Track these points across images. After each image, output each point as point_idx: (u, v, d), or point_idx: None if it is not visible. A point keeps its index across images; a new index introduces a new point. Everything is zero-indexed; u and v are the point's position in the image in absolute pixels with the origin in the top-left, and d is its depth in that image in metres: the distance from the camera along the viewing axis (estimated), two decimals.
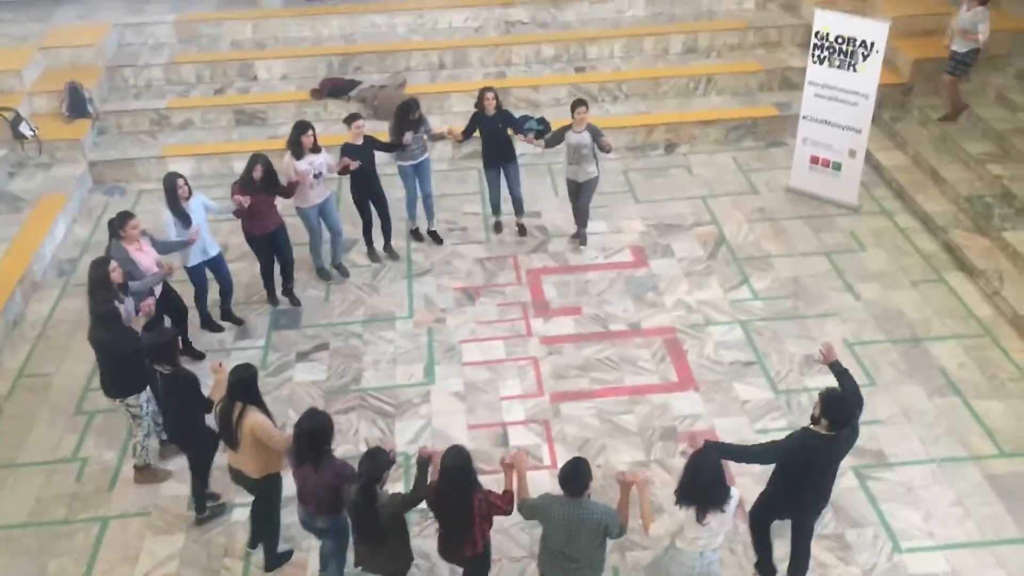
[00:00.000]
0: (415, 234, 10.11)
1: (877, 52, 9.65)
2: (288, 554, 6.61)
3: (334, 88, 12.38)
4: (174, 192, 8.05)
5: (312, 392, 8.09)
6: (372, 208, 9.59)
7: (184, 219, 8.12)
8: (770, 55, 13.00)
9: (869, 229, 10.06)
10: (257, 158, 8.45)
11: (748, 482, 6.96)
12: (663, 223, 10.24)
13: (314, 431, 5.56)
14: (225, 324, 8.89)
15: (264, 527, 6.50)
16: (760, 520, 6.16)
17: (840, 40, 9.84)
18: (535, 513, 5.41)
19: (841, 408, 5.54)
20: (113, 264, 7.10)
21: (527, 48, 13.06)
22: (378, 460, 5.40)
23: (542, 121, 9.96)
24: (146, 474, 7.29)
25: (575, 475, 5.21)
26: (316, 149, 8.91)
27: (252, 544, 6.67)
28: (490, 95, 9.44)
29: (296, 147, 8.77)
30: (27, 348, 8.76)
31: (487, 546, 5.60)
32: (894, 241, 9.84)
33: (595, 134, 9.20)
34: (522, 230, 10.11)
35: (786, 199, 10.70)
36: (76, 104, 11.76)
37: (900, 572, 6.37)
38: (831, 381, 7.92)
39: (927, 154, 10.89)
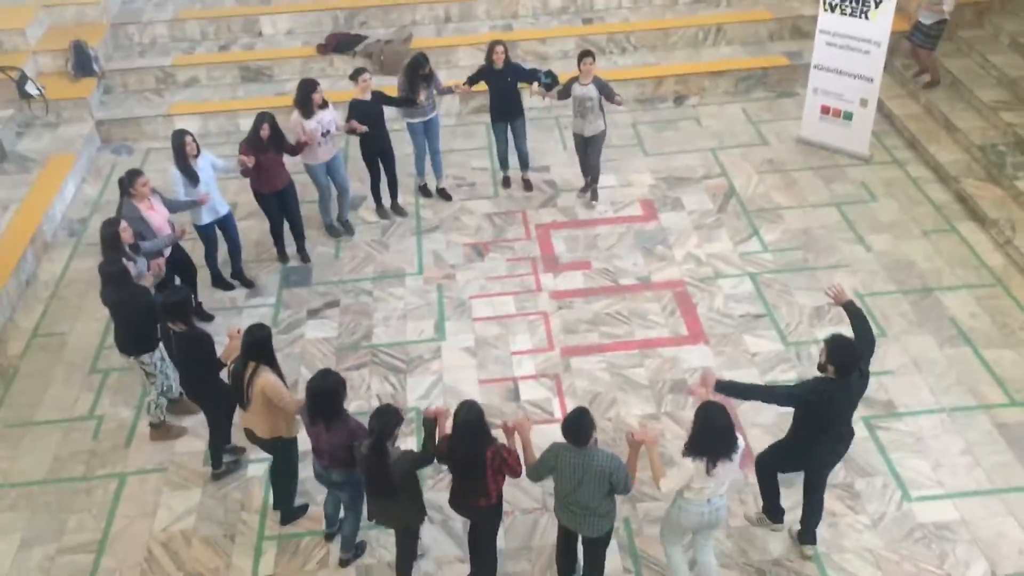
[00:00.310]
0: (423, 190, 10.09)
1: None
2: (304, 508, 6.71)
3: (340, 43, 12.28)
4: (182, 149, 8.03)
5: (323, 349, 8.14)
6: (380, 165, 9.56)
7: (192, 177, 8.11)
8: (781, 3, 12.81)
9: (880, 179, 9.99)
10: (264, 116, 8.41)
11: (758, 432, 7.03)
12: (672, 176, 10.18)
13: (327, 391, 5.60)
14: (236, 283, 8.93)
15: (280, 483, 6.58)
16: (769, 468, 6.20)
17: None
18: (543, 468, 5.45)
19: (847, 354, 5.52)
20: (123, 224, 7.13)
21: (534, 0, 12.89)
22: (388, 417, 5.43)
23: (549, 74, 9.86)
24: (161, 431, 7.38)
25: (579, 426, 5.26)
26: (324, 105, 8.86)
27: (276, 504, 6.72)
28: (500, 48, 9.34)
29: (306, 106, 8.72)
30: (40, 308, 8.83)
31: (499, 497, 5.67)
32: (906, 191, 9.78)
33: (601, 87, 9.10)
34: (528, 185, 10.07)
35: (796, 150, 10.61)
36: (81, 62, 11.71)
37: (909, 520, 6.42)
38: (841, 331, 7.97)
39: (940, 103, 10.77)
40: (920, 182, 9.90)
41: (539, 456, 5.49)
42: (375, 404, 7.43)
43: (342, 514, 6.36)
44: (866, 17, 9.72)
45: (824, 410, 5.62)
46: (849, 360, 5.51)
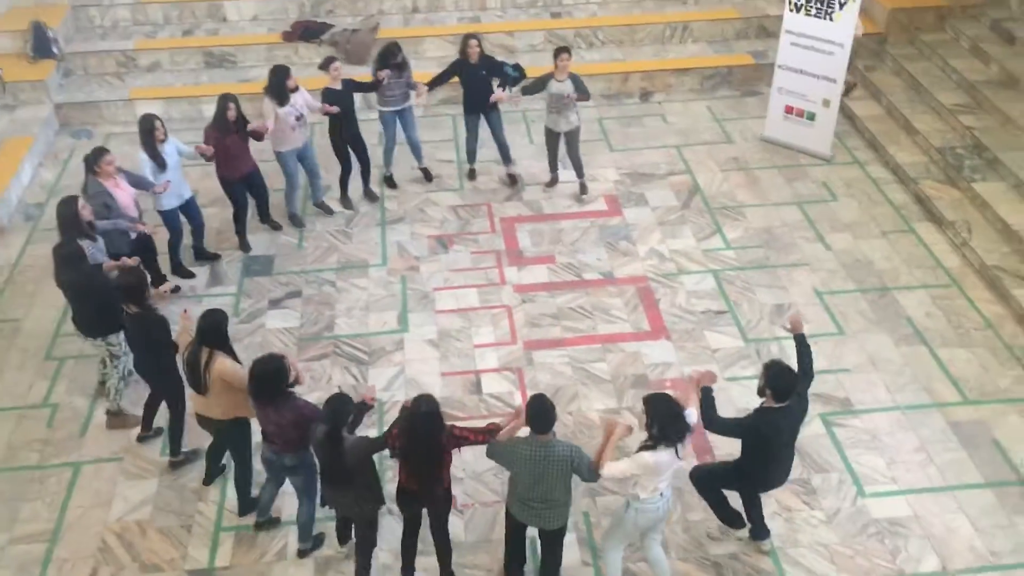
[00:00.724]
0: (389, 181, 10.04)
1: (854, 1, 9.61)
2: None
3: (306, 31, 12.16)
4: (151, 134, 7.96)
5: (285, 339, 8.08)
6: (351, 153, 9.50)
7: (159, 162, 8.04)
8: (747, 3, 12.89)
9: (841, 179, 10.11)
10: (228, 97, 8.38)
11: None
12: (637, 172, 10.23)
13: (266, 374, 5.60)
14: (199, 264, 8.87)
15: (238, 474, 6.53)
16: (709, 484, 6.20)
17: None
18: (502, 455, 5.47)
19: (783, 379, 5.60)
20: (82, 202, 7.05)
21: None
22: (342, 404, 5.46)
23: (517, 68, 9.85)
24: (118, 420, 7.28)
25: (542, 411, 5.28)
26: (295, 89, 8.84)
27: (207, 480, 6.75)
28: (474, 42, 9.32)
29: (280, 93, 8.70)
30: None
31: (449, 483, 5.72)
32: (865, 191, 9.91)
33: (578, 84, 9.09)
34: (513, 179, 10.01)
35: (760, 149, 10.71)
36: (40, 44, 11.48)
37: (864, 516, 6.52)
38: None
39: (901, 105, 10.92)
40: (880, 183, 10.04)
41: (500, 444, 5.50)
42: None
43: (293, 511, 6.35)
44: (830, 19, 9.82)
45: (773, 438, 5.68)
46: (785, 385, 5.60)
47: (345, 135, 9.35)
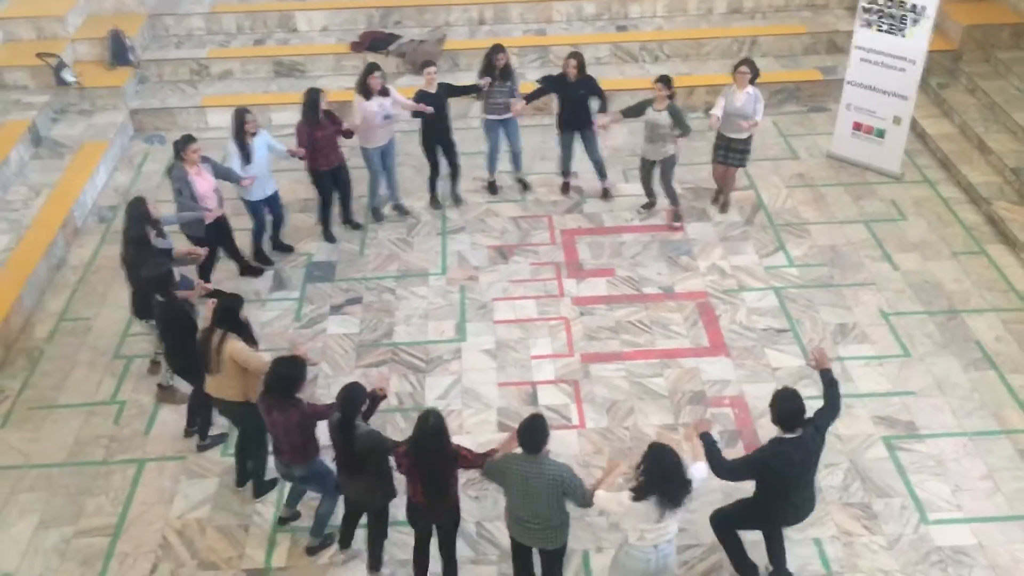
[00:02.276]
0: (491, 187, 10.14)
1: (927, 17, 9.43)
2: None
3: (374, 42, 12.33)
4: (241, 127, 8.34)
5: (345, 345, 8.17)
6: (441, 156, 9.67)
7: (247, 155, 8.40)
8: (816, 18, 12.74)
9: (911, 198, 9.90)
10: (316, 91, 8.72)
11: (764, 422, 6.97)
12: (700, 187, 10.15)
13: (286, 376, 5.71)
14: (272, 260, 9.19)
15: (249, 454, 6.71)
16: (727, 526, 6.00)
17: (889, 4, 9.61)
18: (496, 473, 5.44)
19: (788, 404, 5.40)
20: (151, 203, 7.43)
21: (568, 5, 12.88)
22: (355, 392, 5.59)
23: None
24: (167, 393, 7.57)
25: (532, 431, 5.24)
26: (384, 92, 9.05)
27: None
28: (573, 62, 9.25)
29: (363, 88, 8.97)
30: (68, 292, 8.92)
31: (457, 495, 5.74)
32: (936, 211, 9.69)
33: (676, 118, 8.89)
34: (606, 194, 10.01)
35: (826, 165, 10.54)
36: (118, 52, 11.84)
37: (926, 543, 6.36)
38: (865, 351, 7.94)
39: (974, 123, 10.67)
40: (951, 202, 9.80)
41: (494, 462, 5.47)
42: (394, 403, 7.48)
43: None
44: (902, 35, 9.65)
45: (784, 472, 5.47)
46: (790, 411, 5.40)
47: (436, 139, 9.50)
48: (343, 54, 12.31)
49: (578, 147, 9.77)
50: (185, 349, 6.61)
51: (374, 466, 5.68)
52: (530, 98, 9.68)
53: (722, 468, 5.53)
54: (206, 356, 6.22)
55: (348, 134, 8.97)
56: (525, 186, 10.18)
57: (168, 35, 12.80)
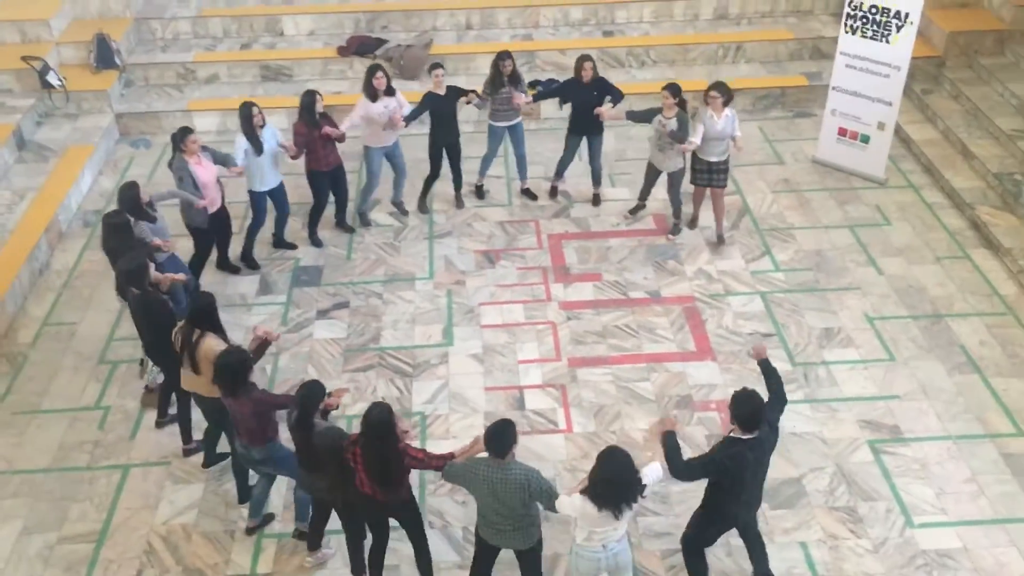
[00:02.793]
0: (479, 191, 10.12)
1: (911, 23, 9.50)
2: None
3: (361, 46, 12.33)
4: (249, 120, 8.44)
5: (331, 349, 8.16)
6: (445, 159, 9.67)
7: (257, 145, 8.47)
8: (802, 24, 12.81)
9: (895, 203, 9.96)
10: (313, 92, 8.74)
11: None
12: (686, 191, 10.15)
13: (229, 366, 5.85)
14: (281, 249, 9.37)
15: (234, 458, 6.72)
16: (695, 545, 5.93)
17: (874, 10, 9.68)
18: (459, 476, 5.45)
19: (746, 405, 5.38)
20: (142, 187, 7.59)
21: (555, 10, 12.91)
22: (312, 391, 5.67)
23: (620, 93, 9.76)
24: (151, 397, 7.55)
25: (499, 436, 5.25)
26: (390, 92, 9.10)
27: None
28: (588, 64, 9.16)
29: (369, 89, 9.00)
30: (52, 297, 8.87)
31: (410, 490, 5.78)
32: (920, 216, 9.75)
33: (681, 125, 8.79)
34: (597, 199, 10.00)
35: (812, 171, 10.59)
36: (104, 55, 11.78)
37: (912, 547, 6.39)
38: (850, 355, 7.98)
39: (958, 129, 10.75)
40: (935, 207, 9.87)
41: (457, 466, 5.49)
42: None
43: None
44: (887, 41, 9.72)
45: (740, 473, 5.44)
46: (748, 411, 5.37)
47: (441, 141, 9.51)
48: (330, 58, 12.29)
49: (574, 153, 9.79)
50: (162, 341, 6.67)
51: (335, 462, 5.71)
52: (539, 97, 9.66)
53: (679, 469, 5.46)
54: (183, 355, 6.34)
55: (340, 139, 8.93)
56: (532, 196, 10.10)
57: (154, 39, 12.75)
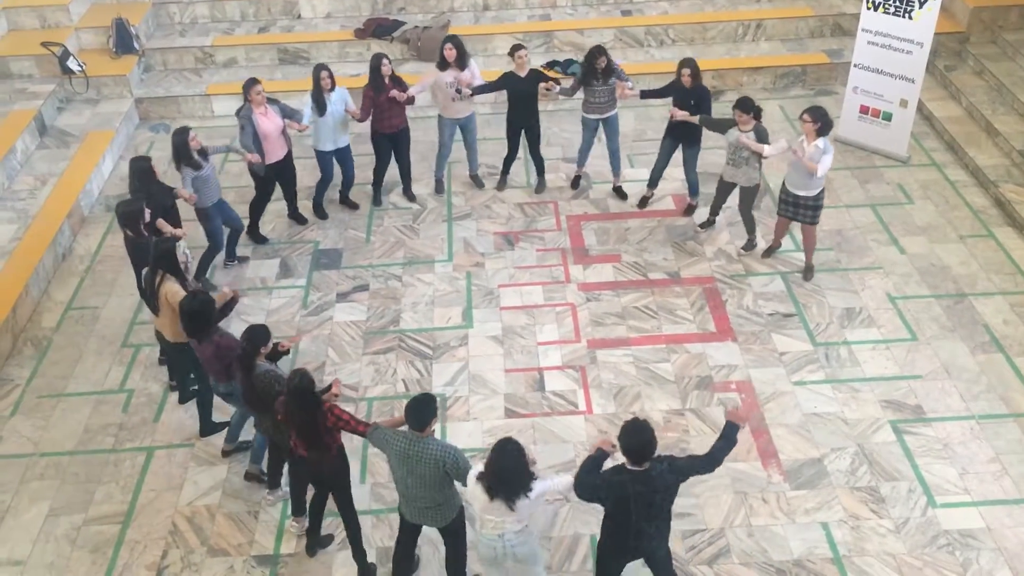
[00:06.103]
0: (575, 182, 10.00)
1: None
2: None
3: (378, 28, 12.30)
4: (318, 84, 8.83)
5: (352, 332, 8.19)
6: (524, 141, 9.68)
7: (321, 107, 8.84)
8: (823, 0, 12.66)
9: (917, 182, 9.86)
10: (381, 55, 9.01)
11: (783, 432, 6.98)
12: (706, 171, 10.08)
13: (193, 311, 6.33)
14: (345, 206, 9.75)
15: (200, 394, 7.17)
16: (606, 568, 5.55)
17: None
18: (380, 442, 5.48)
19: (633, 438, 4.98)
20: (192, 134, 8.05)
21: None
22: (255, 334, 6.04)
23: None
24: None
25: (418, 409, 5.28)
26: (462, 65, 9.23)
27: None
28: (687, 71, 8.88)
29: (441, 60, 9.22)
30: (75, 282, 8.95)
31: (340, 450, 5.86)
32: (943, 194, 9.65)
33: (761, 137, 8.36)
34: (621, 193, 9.82)
35: (833, 149, 10.46)
36: (123, 40, 11.82)
37: (934, 527, 6.36)
38: (872, 335, 7.94)
39: (981, 105, 10.61)
40: (958, 185, 9.76)
41: (381, 431, 5.53)
42: (401, 389, 7.51)
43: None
44: (909, 17, 9.59)
45: (623, 503, 5.08)
46: (637, 443, 4.97)
47: (519, 123, 9.54)
48: (347, 41, 12.27)
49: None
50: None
51: (271, 402, 5.91)
52: (646, 95, 9.35)
53: (581, 485, 5.16)
54: (148, 297, 6.86)
55: (410, 101, 9.15)
56: (623, 196, 9.82)
57: (172, 23, 12.79)
